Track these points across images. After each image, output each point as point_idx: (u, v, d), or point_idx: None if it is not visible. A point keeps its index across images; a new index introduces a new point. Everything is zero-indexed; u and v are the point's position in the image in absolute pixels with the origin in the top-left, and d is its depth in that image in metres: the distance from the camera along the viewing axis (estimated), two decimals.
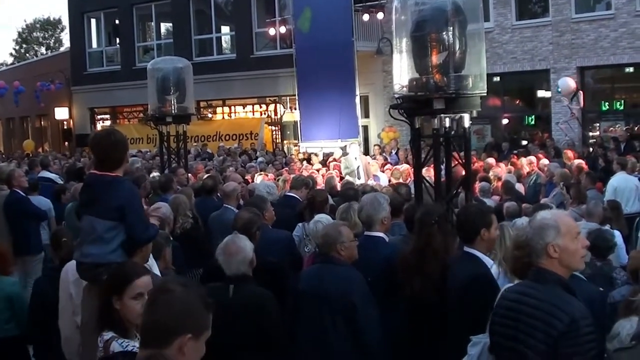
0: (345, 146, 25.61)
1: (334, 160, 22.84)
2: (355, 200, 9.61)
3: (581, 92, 23.87)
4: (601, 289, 6.99)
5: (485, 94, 8.40)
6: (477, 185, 13.96)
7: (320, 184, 14.81)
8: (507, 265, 6.14)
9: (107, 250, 6.17)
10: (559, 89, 24.16)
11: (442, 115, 8.15)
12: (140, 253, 6.24)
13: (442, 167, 8.53)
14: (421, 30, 8.24)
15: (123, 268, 5.08)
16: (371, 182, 17.46)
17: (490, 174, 16.12)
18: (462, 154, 8.59)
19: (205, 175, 15.05)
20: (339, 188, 13.94)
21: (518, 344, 4.56)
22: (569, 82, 23.88)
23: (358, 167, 19.65)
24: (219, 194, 12.14)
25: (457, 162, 8.66)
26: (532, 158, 18.61)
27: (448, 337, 6.23)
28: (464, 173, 8.66)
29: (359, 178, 18.83)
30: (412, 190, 10.43)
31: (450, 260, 6.65)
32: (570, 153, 19.84)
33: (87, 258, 6.22)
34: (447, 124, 8.37)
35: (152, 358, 3.18)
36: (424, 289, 6.58)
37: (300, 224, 9.77)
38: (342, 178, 17.84)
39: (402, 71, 8.48)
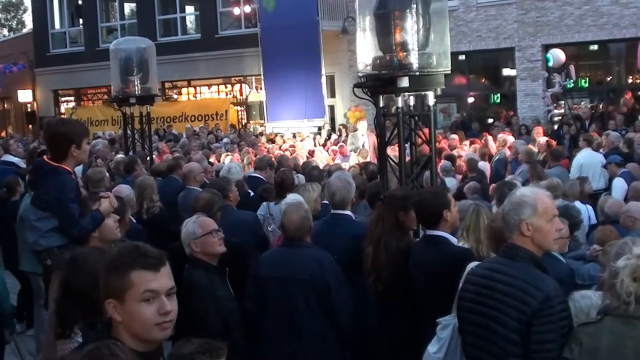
0: (320, 127, 25.93)
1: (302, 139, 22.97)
2: (320, 180, 9.57)
3: (572, 65, 23.72)
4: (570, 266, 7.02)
5: (450, 72, 8.35)
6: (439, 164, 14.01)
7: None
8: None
9: (37, 235, 6.11)
10: (550, 61, 23.99)
11: (406, 93, 8.11)
12: (94, 239, 6.13)
13: (407, 145, 8.51)
14: (385, 7, 8.17)
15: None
16: (338, 161, 17.51)
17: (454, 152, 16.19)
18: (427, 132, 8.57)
19: (170, 157, 14.98)
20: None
21: (488, 321, 4.57)
22: (559, 54, 23.61)
23: (364, 144, 19.82)
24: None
25: (422, 141, 8.64)
26: (505, 137, 18.53)
27: (418, 320, 6.25)
28: (428, 151, 8.63)
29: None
30: None
31: (411, 243, 6.76)
32: (540, 130, 19.92)
33: (28, 246, 6.19)
34: (412, 102, 8.36)
35: (95, 350, 3.09)
36: (382, 269, 6.63)
37: (264, 203, 9.72)
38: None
39: (366, 49, 8.42)
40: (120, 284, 3.35)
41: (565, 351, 4.26)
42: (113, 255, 3.51)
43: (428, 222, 6.49)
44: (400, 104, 8.04)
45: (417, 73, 7.95)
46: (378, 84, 8.22)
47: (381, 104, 8.38)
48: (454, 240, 6.50)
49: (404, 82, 7.89)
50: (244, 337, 6.43)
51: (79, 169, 11.67)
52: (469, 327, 4.81)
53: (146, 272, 3.36)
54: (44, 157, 6.57)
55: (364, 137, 20.54)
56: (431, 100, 8.27)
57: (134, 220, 8.75)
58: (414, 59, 7.95)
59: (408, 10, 7.99)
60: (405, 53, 7.98)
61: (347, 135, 23.88)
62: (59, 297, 4.53)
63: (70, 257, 4.77)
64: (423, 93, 8.29)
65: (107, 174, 11.83)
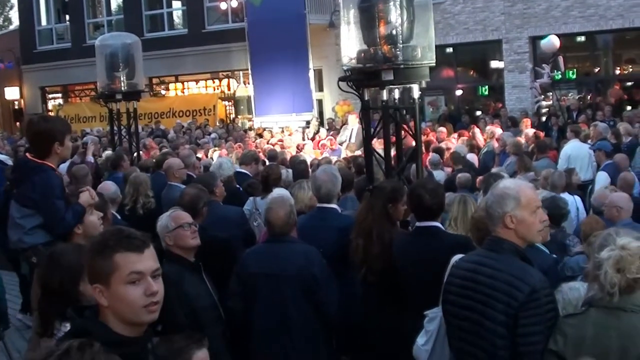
0: (308, 121, 26.02)
1: (290, 134, 23.00)
2: (306, 174, 9.55)
3: (561, 57, 23.59)
4: (555, 255, 7.02)
5: (435, 65, 8.34)
6: (427, 157, 14.02)
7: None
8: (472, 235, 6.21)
9: (21, 233, 6.07)
10: (544, 40, 23.82)
11: (391, 86, 8.09)
12: (78, 235, 6.09)
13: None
14: (369, 0, 8.18)
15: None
16: (327, 155, 17.52)
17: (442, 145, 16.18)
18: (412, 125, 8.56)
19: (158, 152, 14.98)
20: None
21: (474, 314, 4.56)
22: (554, 40, 23.37)
23: (349, 137, 19.96)
24: None
25: (407, 134, 8.63)
26: (494, 129, 18.47)
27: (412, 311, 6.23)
28: (414, 144, 8.62)
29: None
30: None
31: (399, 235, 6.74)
32: (528, 121, 19.91)
33: (11, 245, 6.15)
34: (397, 96, 8.34)
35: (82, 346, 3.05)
36: (371, 259, 6.62)
37: (251, 198, 9.70)
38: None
39: (351, 43, 8.41)
40: (105, 267, 3.32)
41: (550, 343, 4.26)
42: (97, 239, 3.48)
43: (429, 213, 6.42)
44: (385, 97, 8.04)
45: (402, 66, 7.95)
46: (363, 77, 8.22)
47: (366, 97, 8.37)
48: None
49: (389, 75, 7.89)
50: (221, 334, 6.39)
51: (64, 166, 11.61)
52: (454, 321, 4.80)
53: (130, 254, 3.34)
54: (27, 154, 6.53)
55: (354, 131, 20.58)
56: (416, 93, 8.26)
57: (118, 217, 8.73)
58: (398, 52, 7.94)
59: (392, 3, 8.00)
60: (389, 46, 7.98)
61: (335, 129, 23.95)
62: (39, 295, 4.50)
63: (47, 255, 4.75)
64: (408, 86, 8.28)
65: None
